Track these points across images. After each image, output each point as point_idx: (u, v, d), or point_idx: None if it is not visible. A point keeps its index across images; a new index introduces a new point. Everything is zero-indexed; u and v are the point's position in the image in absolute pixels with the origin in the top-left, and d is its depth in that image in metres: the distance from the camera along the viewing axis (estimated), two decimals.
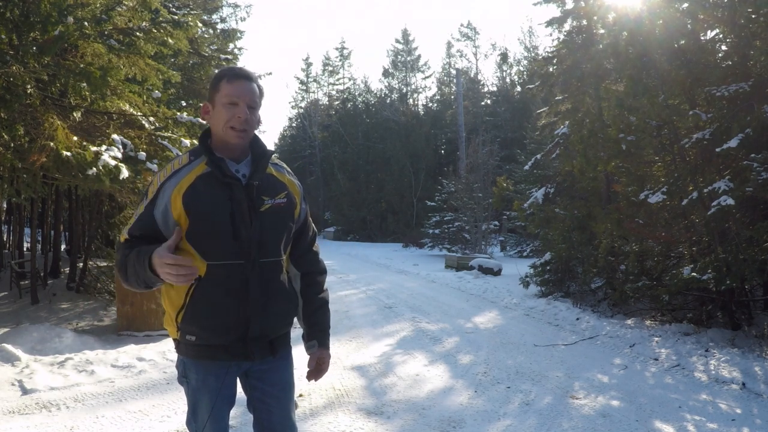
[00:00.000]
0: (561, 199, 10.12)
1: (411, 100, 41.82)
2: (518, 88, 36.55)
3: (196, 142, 7.41)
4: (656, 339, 6.12)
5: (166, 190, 1.74)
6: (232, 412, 1.98)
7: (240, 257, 1.75)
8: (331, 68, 47.56)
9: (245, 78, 1.77)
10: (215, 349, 1.80)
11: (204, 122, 7.60)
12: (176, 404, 4.21)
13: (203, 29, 12.39)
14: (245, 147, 1.83)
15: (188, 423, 1.90)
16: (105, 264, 10.98)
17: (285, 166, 1.98)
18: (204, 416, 1.83)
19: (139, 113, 6.86)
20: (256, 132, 1.88)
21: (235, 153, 1.81)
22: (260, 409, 1.93)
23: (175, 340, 1.87)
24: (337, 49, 52.96)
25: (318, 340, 2.01)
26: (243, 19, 27.69)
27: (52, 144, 5.46)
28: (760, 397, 4.38)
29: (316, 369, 2.01)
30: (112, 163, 5.72)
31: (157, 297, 6.86)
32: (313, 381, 2.03)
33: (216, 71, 2.18)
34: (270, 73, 27.01)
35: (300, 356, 2.04)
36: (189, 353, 1.83)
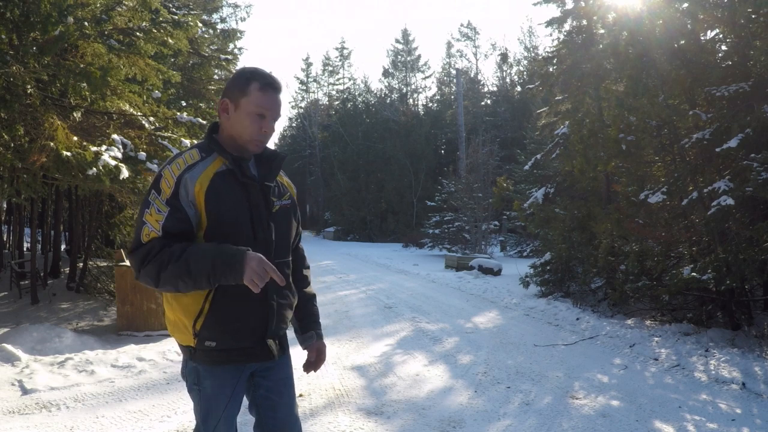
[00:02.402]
0: (561, 199, 10.11)
1: (411, 100, 41.83)
2: (518, 88, 36.58)
3: (196, 141, 7.42)
4: (656, 339, 6.12)
5: (187, 183, 1.67)
6: None
7: None
8: (331, 68, 47.59)
9: (277, 90, 1.77)
10: (236, 352, 1.78)
11: (205, 122, 7.63)
12: (176, 404, 4.21)
13: (203, 29, 12.39)
14: None
15: (197, 431, 1.87)
16: (105, 264, 10.99)
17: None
18: (218, 424, 1.80)
19: (139, 113, 6.86)
20: None
21: (244, 153, 1.81)
22: (264, 407, 1.93)
23: (187, 347, 1.79)
24: (337, 49, 53.02)
25: (315, 330, 2.07)
26: (243, 19, 27.69)
27: (52, 144, 5.46)
28: (760, 397, 4.38)
29: (317, 360, 2.05)
30: (112, 163, 5.72)
31: (158, 297, 6.86)
32: (312, 372, 2.06)
33: (219, 71, 2.18)
34: (270, 73, 26.95)
35: (297, 356, 2.03)
36: (207, 360, 1.77)
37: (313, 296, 2.13)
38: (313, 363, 2.04)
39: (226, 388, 1.80)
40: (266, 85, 1.75)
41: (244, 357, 1.81)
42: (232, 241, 1.68)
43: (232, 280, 1.57)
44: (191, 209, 1.66)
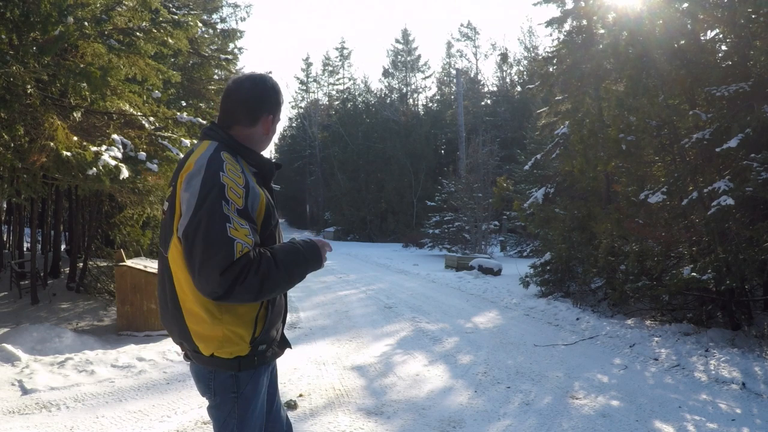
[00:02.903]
0: (561, 199, 10.12)
1: (411, 100, 41.81)
2: (518, 88, 36.58)
3: (195, 141, 7.42)
4: (656, 339, 6.12)
5: (254, 192, 1.66)
6: None
7: None
8: (331, 68, 47.56)
9: None
10: (274, 349, 1.86)
11: (204, 122, 7.62)
12: (176, 404, 4.21)
13: (203, 29, 12.39)
14: None
15: None
16: (105, 264, 10.99)
17: None
18: (255, 423, 1.81)
19: (139, 113, 6.86)
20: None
21: None
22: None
23: (235, 359, 1.71)
24: (337, 49, 53.01)
25: None
26: (243, 19, 27.73)
27: (52, 144, 5.46)
28: (760, 397, 4.38)
29: None
30: (112, 163, 5.72)
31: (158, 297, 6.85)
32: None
33: (219, 71, 2.21)
34: (270, 73, 26.99)
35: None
36: (252, 364, 1.75)
37: None
38: None
39: (262, 386, 1.84)
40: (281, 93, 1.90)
41: (279, 350, 1.90)
42: (272, 241, 1.77)
43: (313, 270, 1.75)
44: (254, 218, 1.66)
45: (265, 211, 1.69)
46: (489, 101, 38.74)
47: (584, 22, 10.46)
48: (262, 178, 1.80)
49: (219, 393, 1.75)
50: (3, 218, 15.81)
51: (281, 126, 55.28)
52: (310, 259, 1.71)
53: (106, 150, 5.84)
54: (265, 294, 1.58)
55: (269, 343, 1.80)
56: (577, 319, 7.53)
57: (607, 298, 8.28)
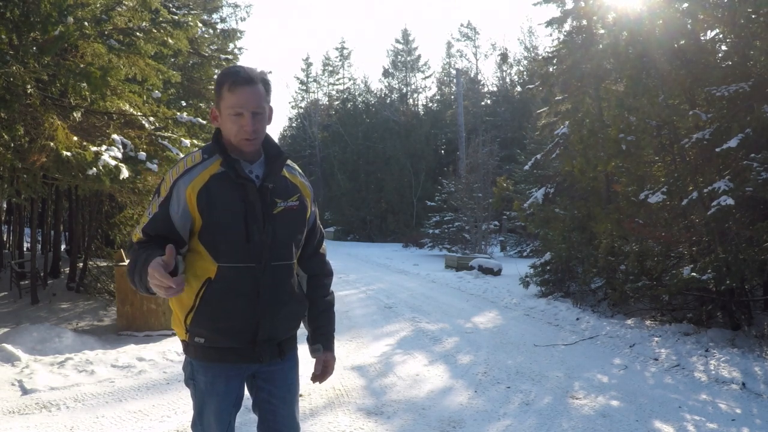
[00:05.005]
0: (561, 199, 10.11)
1: (411, 100, 41.76)
2: (518, 88, 36.53)
3: (196, 141, 7.43)
4: (656, 339, 6.12)
5: (180, 188, 1.72)
6: None
7: (251, 260, 1.74)
8: (331, 68, 47.50)
9: (246, 83, 1.70)
10: (224, 351, 1.80)
11: (205, 122, 7.63)
12: (176, 404, 4.21)
13: (203, 29, 12.38)
14: (258, 148, 1.83)
15: (194, 425, 1.89)
16: (105, 264, 10.99)
17: (297, 167, 1.96)
18: (211, 419, 1.82)
19: (139, 113, 6.86)
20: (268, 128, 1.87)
21: (249, 154, 1.80)
22: (266, 410, 1.93)
23: (183, 341, 1.87)
24: (337, 49, 52.90)
25: (323, 343, 2.00)
26: (243, 19, 27.68)
27: (52, 144, 5.46)
28: (760, 397, 4.38)
29: (322, 373, 2.00)
30: (112, 163, 5.72)
31: (158, 297, 6.87)
32: (317, 383, 2.03)
33: (219, 71, 2.14)
34: (270, 73, 26.83)
35: (303, 357, 2.04)
36: (197, 355, 1.82)
37: (329, 306, 2.05)
38: (318, 376, 2.00)
39: (218, 386, 1.82)
40: (234, 83, 1.70)
41: (234, 357, 1.81)
42: (225, 241, 1.73)
43: (139, 286, 1.66)
44: (179, 213, 1.72)
45: (197, 206, 1.72)
46: (489, 101, 38.68)
47: (584, 22, 10.45)
48: (234, 173, 1.75)
49: (185, 373, 1.90)
50: (3, 218, 15.81)
51: (281, 125, 55.07)
52: (135, 275, 1.65)
53: (106, 150, 5.84)
54: (132, 284, 1.70)
55: (210, 341, 1.78)
56: (577, 319, 7.53)
57: (607, 298, 8.28)
